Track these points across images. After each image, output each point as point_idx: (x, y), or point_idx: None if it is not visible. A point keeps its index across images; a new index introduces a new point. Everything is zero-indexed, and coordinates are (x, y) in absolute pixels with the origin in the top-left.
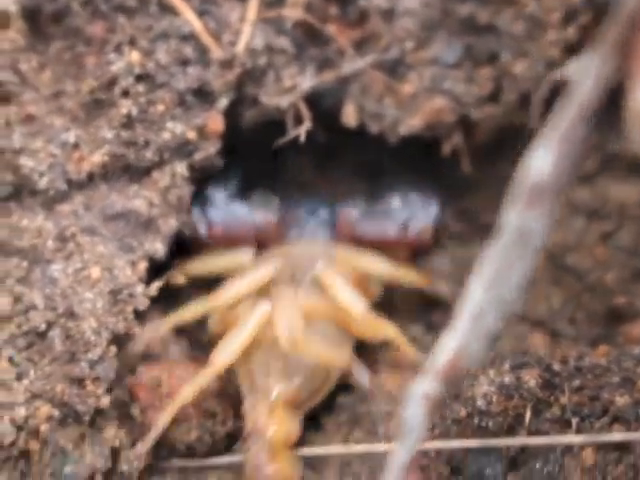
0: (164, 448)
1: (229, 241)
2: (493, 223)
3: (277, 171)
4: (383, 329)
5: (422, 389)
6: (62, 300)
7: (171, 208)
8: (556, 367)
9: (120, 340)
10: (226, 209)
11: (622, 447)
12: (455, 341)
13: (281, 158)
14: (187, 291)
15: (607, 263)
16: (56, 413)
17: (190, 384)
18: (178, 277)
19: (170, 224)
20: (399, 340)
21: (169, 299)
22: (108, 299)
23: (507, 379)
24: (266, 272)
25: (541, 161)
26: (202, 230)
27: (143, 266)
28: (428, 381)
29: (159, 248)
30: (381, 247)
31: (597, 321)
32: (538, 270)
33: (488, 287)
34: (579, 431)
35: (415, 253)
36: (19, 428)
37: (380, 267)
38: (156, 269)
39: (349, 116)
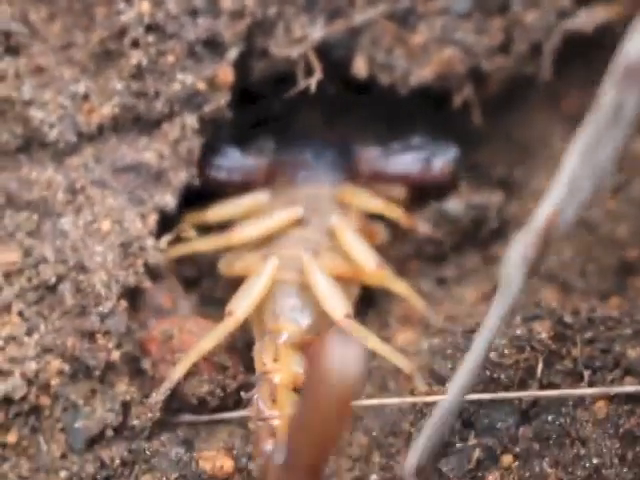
0: (175, 402)
1: (222, 184)
2: (504, 177)
3: (285, 121)
4: (393, 285)
5: (519, 250)
6: (72, 253)
7: (181, 160)
8: (568, 319)
9: (131, 293)
10: (220, 153)
11: (634, 399)
12: (551, 206)
13: (291, 110)
14: None
15: (619, 215)
16: (67, 367)
17: (209, 335)
18: (188, 230)
19: (180, 177)
20: (409, 296)
21: None
22: (118, 252)
23: (519, 331)
24: (290, 215)
25: (637, 42)
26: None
27: (153, 219)
28: (525, 242)
29: (169, 201)
30: (401, 184)
31: (608, 274)
32: None
33: (583, 157)
34: (591, 384)
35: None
36: (30, 382)
37: (371, 202)
38: (165, 222)
39: (359, 67)
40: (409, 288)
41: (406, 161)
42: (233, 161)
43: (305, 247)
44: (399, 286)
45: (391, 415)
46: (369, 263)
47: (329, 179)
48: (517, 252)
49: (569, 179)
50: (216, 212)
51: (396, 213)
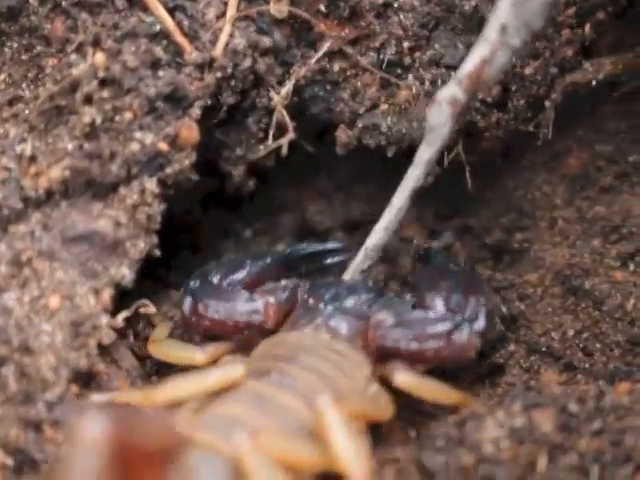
0: None
1: (216, 328)
2: (501, 243)
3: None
4: None
5: (447, 94)
6: (17, 333)
7: (140, 229)
8: (573, 407)
9: (82, 377)
10: (223, 290)
11: None
12: (483, 51)
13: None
14: None
15: (627, 288)
16: (9, 461)
17: None
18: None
19: (139, 247)
20: None
21: None
22: (68, 331)
23: (518, 421)
24: (226, 377)
25: None
26: (186, 308)
27: (108, 294)
28: (454, 87)
29: (126, 274)
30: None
31: (617, 353)
32: (549, 296)
33: (515, 6)
34: None
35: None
36: None
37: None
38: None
39: (342, 137)
40: None
41: (418, 339)
42: (236, 303)
43: (244, 419)
44: None
45: None
46: (357, 471)
47: (341, 325)
48: (445, 97)
49: (500, 26)
50: (176, 386)
51: (457, 399)
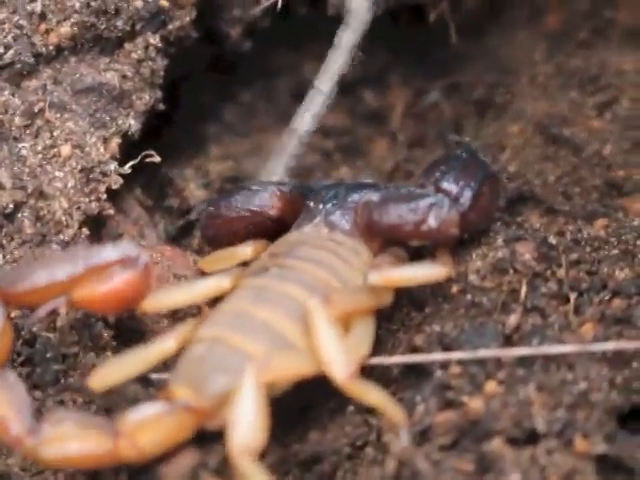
0: None
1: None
2: (484, 99)
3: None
4: (366, 396)
5: None
6: (31, 179)
7: (145, 82)
8: (552, 240)
9: (94, 222)
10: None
11: (622, 320)
12: None
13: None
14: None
15: (604, 135)
16: None
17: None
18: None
19: (144, 99)
20: (385, 406)
21: None
22: (79, 178)
23: (500, 253)
24: (213, 287)
25: None
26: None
27: (116, 143)
28: None
29: (133, 124)
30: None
31: (594, 196)
32: (530, 144)
33: None
34: (577, 307)
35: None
36: None
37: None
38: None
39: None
40: (385, 397)
41: (398, 215)
42: (243, 197)
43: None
44: (374, 397)
45: None
46: (340, 372)
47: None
48: None
49: None
50: (169, 296)
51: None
